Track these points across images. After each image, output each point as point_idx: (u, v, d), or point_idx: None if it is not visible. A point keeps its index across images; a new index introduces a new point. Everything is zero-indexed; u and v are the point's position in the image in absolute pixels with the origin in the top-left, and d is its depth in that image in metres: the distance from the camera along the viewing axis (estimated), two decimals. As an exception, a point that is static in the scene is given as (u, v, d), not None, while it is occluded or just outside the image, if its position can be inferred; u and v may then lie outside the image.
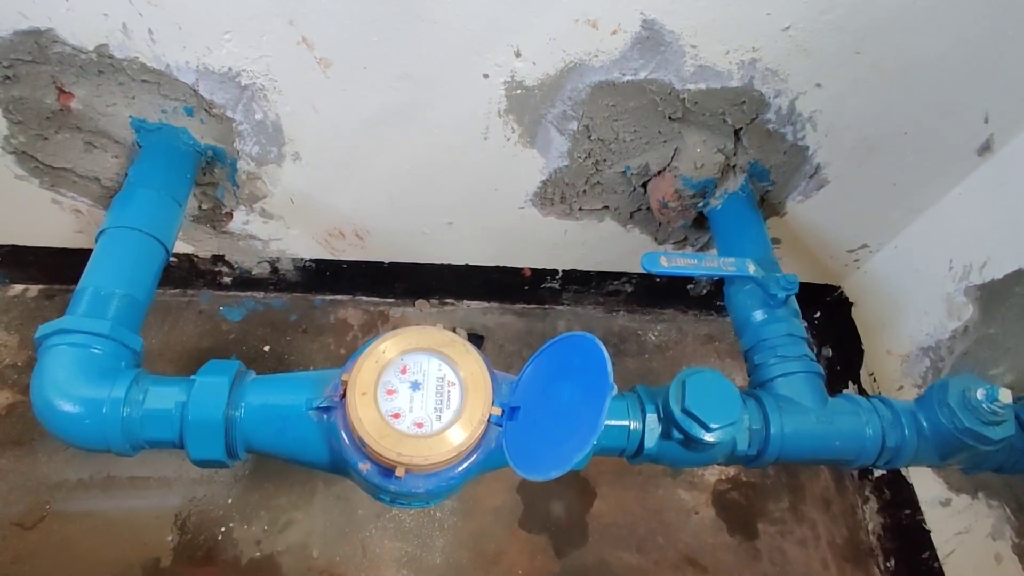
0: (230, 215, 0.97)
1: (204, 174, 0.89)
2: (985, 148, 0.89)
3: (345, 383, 0.59)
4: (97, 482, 0.98)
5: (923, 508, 1.02)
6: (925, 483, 1.02)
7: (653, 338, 1.24)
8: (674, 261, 0.75)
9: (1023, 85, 0.79)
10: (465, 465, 0.61)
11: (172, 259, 1.06)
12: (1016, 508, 0.86)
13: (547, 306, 1.23)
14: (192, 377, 0.61)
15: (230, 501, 0.99)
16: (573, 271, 1.15)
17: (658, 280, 1.18)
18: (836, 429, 0.72)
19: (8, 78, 0.74)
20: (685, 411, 0.65)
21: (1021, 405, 0.79)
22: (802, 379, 0.75)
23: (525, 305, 1.23)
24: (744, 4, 0.70)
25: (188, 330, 1.12)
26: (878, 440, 0.72)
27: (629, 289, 1.21)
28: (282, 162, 0.88)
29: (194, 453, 0.60)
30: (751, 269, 0.77)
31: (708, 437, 0.65)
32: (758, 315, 0.79)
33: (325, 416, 0.61)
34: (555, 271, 1.15)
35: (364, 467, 0.59)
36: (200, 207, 0.94)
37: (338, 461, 0.61)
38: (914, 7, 0.71)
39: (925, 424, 0.72)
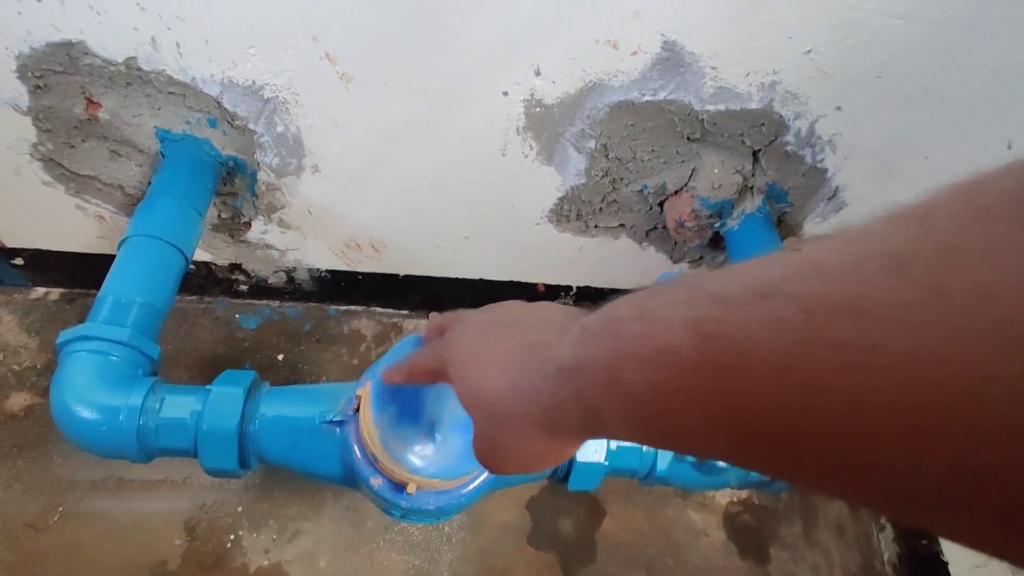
0: (248, 224, 0.98)
1: (224, 184, 0.90)
2: (1008, 174, 0.88)
3: (359, 398, 0.59)
4: (110, 485, 0.99)
5: (940, 538, 1.00)
6: (942, 513, 1.00)
7: (666, 356, 1.23)
8: (690, 282, 0.75)
9: (1048, 112, 0.79)
10: (477, 483, 0.61)
11: (190, 266, 1.08)
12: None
13: (560, 321, 1.23)
14: (208, 387, 0.62)
15: (240, 509, 0.99)
16: (587, 288, 1.15)
17: (672, 298, 1.18)
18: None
19: (39, 88, 0.75)
20: (699, 434, 0.64)
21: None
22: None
23: (538, 320, 1.23)
24: (765, 27, 0.70)
25: (204, 337, 1.13)
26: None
27: (643, 307, 1.20)
28: (301, 174, 0.89)
29: (207, 463, 0.61)
30: (768, 292, 0.76)
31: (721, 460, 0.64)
32: (774, 338, 0.79)
33: (338, 430, 0.61)
34: (569, 287, 1.15)
35: (375, 482, 0.59)
36: (219, 216, 0.96)
37: (350, 475, 0.62)
38: (937, 34, 0.70)
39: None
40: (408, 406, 0.56)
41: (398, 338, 1.20)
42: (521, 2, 0.67)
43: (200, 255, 1.06)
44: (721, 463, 0.64)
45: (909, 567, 1.04)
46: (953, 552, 0.97)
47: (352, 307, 1.21)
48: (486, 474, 0.61)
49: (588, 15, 0.69)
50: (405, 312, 1.21)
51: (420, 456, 0.55)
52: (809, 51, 0.73)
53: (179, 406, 0.60)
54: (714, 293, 0.20)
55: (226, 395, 0.60)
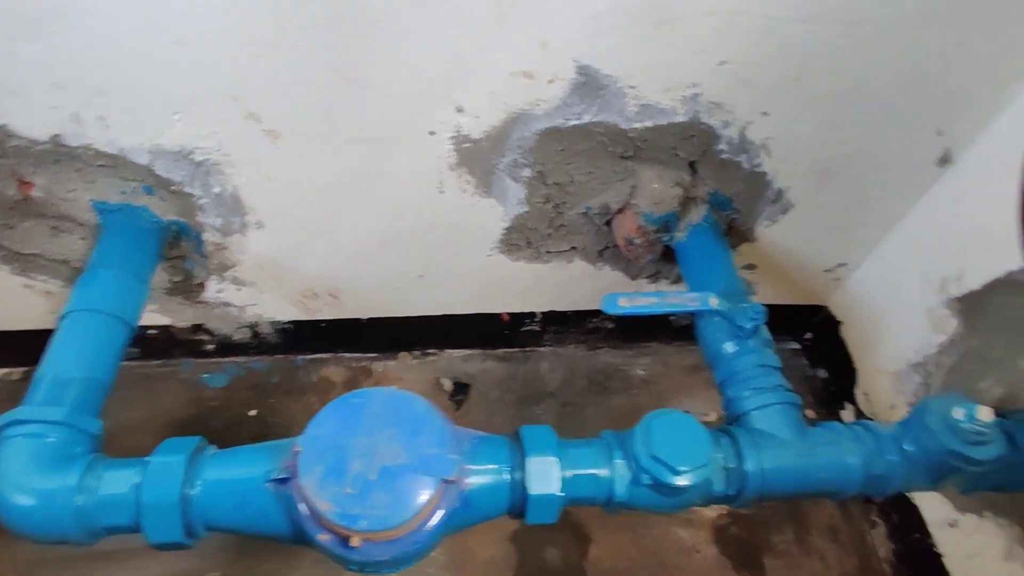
0: (202, 285, 0.98)
1: (171, 248, 0.90)
2: (945, 159, 0.88)
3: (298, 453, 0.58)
4: (79, 559, 0.96)
5: (931, 531, 0.98)
6: (930, 504, 0.98)
7: (639, 373, 1.22)
8: (635, 301, 0.74)
9: (966, 95, 0.79)
10: (428, 527, 0.60)
11: (151, 331, 1.08)
12: (1024, 527, 0.82)
13: (529, 348, 1.22)
14: (147, 458, 0.61)
15: (218, 574, 0.97)
16: (551, 312, 1.14)
17: (638, 314, 1.17)
18: (817, 461, 0.70)
19: (-30, 174, 0.76)
20: (652, 456, 0.63)
21: (1014, 419, 0.77)
22: (778, 411, 0.73)
23: (507, 349, 1.22)
24: (676, 43, 0.71)
25: (170, 400, 1.12)
26: (862, 469, 0.69)
27: (610, 325, 1.20)
28: (246, 231, 0.90)
29: (152, 537, 0.59)
30: (713, 302, 0.76)
31: (679, 481, 0.63)
32: (728, 347, 0.78)
33: (283, 487, 0.60)
34: (533, 314, 1.14)
35: (323, 538, 0.58)
36: (171, 280, 0.95)
37: (299, 533, 0.60)
38: (847, 34, 0.71)
39: (910, 449, 0.70)
40: (338, 461, 0.55)
41: (368, 382, 1.19)
42: (430, 45, 0.69)
43: (159, 319, 1.06)
44: (680, 482, 0.63)
45: (905, 562, 1.02)
46: (946, 543, 0.95)
47: (319, 355, 1.20)
48: (438, 516, 0.60)
49: (498, 50, 0.70)
50: (374, 355, 1.20)
51: (356, 509, 0.54)
52: (724, 62, 0.74)
53: (118, 481, 0.59)
54: None
55: (166, 464, 0.58)
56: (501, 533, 1.05)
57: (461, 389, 1.17)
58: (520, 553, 1.03)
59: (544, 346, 1.22)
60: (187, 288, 0.98)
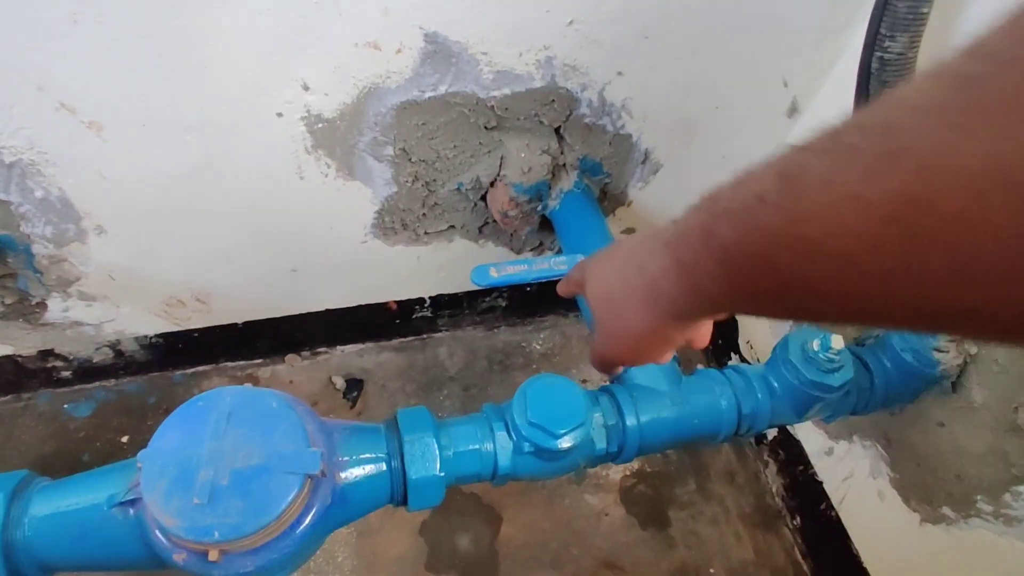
0: (43, 305, 0.88)
1: (-5, 266, 0.80)
2: (793, 109, 0.93)
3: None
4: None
5: (812, 461, 1.04)
6: (809, 436, 1.05)
7: (538, 347, 1.22)
8: (504, 271, 0.73)
9: (807, 45, 0.83)
10: (300, 529, 0.56)
11: (-10, 364, 0.96)
12: (886, 444, 0.89)
13: (425, 336, 1.20)
14: (-40, 503, 0.53)
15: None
16: (440, 296, 1.12)
17: (528, 289, 1.17)
18: (692, 408, 0.71)
19: None
20: (530, 422, 0.62)
21: (866, 347, 0.83)
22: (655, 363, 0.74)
23: (402, 339, 1.19)
24: (520, 4, 0.70)
25: (27, 438, 1.00)
26: (734, 410, 0.72)
27: (504, 304, 1.19)
28: (85, 238, 0.81)
29: (-24, 591, 0.52)
30: (583, 264, 0.76)
31: (559, 444, 0.63)
32: (605, 308, 0.79)
33: (131, 510, 0.55)
34: (422, 299, 1.12)
35: (179, 557, 0.53)
36: (3, 302, 0.85)
37: (155, 556, 0.55)
38: (683, -12, 0.73)
39: (776, 384, 0.73)
40: (184, 471, 0.51)
41: (256, 390, 1.12)
42: (260, 19, 0.64)
43: (-2, 349, 0.95)
44: (561, 445, 0.63)
45: (794, 494, 1.08)
46: (824, 471, 1.02)
47: (199, 367, 1.12)
48: (310, 515, 0.57)
49: (336, 20, 0.66)
50: (258, 361, 1.14)
51: (207, 520, 0.49)
52: (572, 22, 0.73)
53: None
54: (796, 145, 0.24)
55: (-23, 507, 0.51)
56: (410, 527, 1.02)
57: (354, 386, 1.13)
58: (431, 545, 1.01)
59: (440, 331, 1.20)
60: (25, 310, 0.88)
